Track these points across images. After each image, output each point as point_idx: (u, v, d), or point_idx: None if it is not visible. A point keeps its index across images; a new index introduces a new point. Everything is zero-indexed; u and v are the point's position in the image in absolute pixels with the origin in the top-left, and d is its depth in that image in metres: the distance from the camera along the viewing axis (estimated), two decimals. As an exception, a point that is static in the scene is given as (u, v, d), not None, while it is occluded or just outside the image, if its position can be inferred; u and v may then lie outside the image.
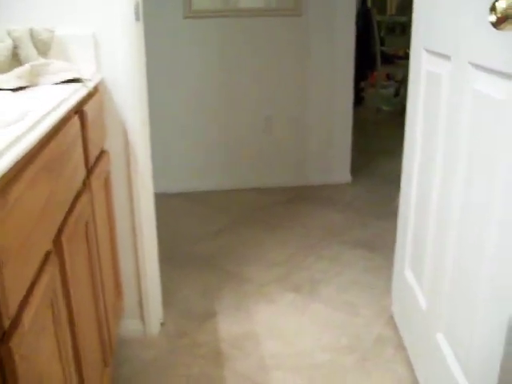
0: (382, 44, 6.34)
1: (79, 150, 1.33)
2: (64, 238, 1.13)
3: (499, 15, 0.97)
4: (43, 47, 1.60)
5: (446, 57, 1.48)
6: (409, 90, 1.88)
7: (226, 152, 3.51)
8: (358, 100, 6.43)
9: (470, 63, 1.31)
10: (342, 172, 3.65)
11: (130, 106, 1.76)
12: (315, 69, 3.42)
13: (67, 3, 1.66)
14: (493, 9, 0.98)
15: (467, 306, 1.33)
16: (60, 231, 1.13)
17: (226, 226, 3.00)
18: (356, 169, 3.84)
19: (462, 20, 1.35)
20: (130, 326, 1.98)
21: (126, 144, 1.79)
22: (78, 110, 1.40)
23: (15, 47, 1.52)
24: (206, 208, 3.25)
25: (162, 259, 2.59)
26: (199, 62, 3.31)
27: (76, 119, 1.32)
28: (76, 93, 1.35)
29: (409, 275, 1.87)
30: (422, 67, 1.72)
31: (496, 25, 0.99)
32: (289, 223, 3.01)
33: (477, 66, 1.27)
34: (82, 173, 1.36)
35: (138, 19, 1.74)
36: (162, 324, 2.06)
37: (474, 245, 1.28)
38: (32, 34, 1.57)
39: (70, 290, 1.16)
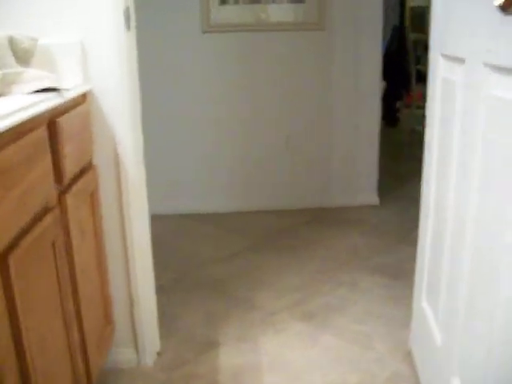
0: (418, 63, 6.13)
1: (44, 165, 1.21)
2: (12, 259, 1.00)
3: (506, -2, 0.81)
4: (24, 56, 1.50)
5: (461, 60, 1.32)
6: (427, 99, 1.70)
7: (245, 172, 3.37)
8: (394, 121, 6.22)
9: (484, 64, 1.14)
10: (368, 194, 3.46)
11: (120, 119, 1.64)
12: (339, 85, 3.26)
13: (54, 11, 1.57)
14: (498, -9, 0.82)
15: (481, 348, 1.13)
16: (8, 251, 1.00)
17: (241, 249, 2.84)
18: (385, 191, 3.64)
19: (475, 19, 1.18)
20: (122, 355, 1.84)
21: (116, 160, 1.67)
22: (50, 121, 1.28)
23: (-8, 55, 1.42)
24: (221, 230, 3.11)
25: (167, 283, 2.47)
26: (218, 78, 3.20)
27: (41, 131, 1.20)
28: (43, 102, 1.23)
29: (426, 307, 1.67)
30: (438, 74, 1.56)
31: (504, 8, 0.83)
32: (308, 247, 2.83)
33: (491, 67, 1.10)
34: (48, 190, 1.23)
35: (128, 28, 1.63)
36: (158, 354, 1.92)
37: (487, 274, 1.10)
38: (12, 42, 1.47)
39: (18, 319, 1.03)
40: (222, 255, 2.77)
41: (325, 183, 3.42)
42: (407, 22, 7.00)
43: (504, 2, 0.83)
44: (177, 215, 3.32)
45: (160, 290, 2.37)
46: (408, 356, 1.85)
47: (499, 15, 0.95)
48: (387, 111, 6.16)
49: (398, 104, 6.20)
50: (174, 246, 2.90)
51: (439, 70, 1.55)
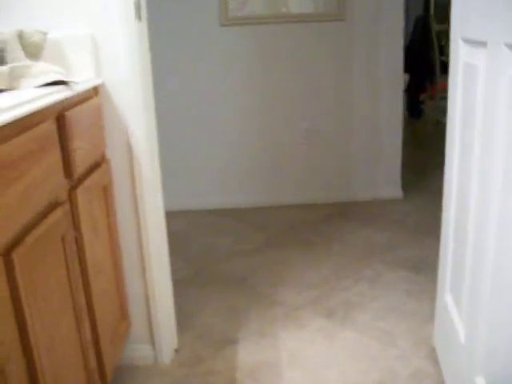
0: (442, 54, 6.00)
1: (52, 159, 1.19)
2: (16, 255, 0.98)
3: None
4: (34, 50, 1.48)
5: (482, 43, 1.26)
6: (449, 85, 1.63)
7: (264, 166, 3.33)
8: (418, 113, 6.11)
9: (506, 45, 1.08)
10: (391, 187, 3.39)
11: (133, 112, 1.62)
12: (360, 77, 3.19)
13: (64, 4, 1.55)
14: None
15: (506, 346, 1.08)
16: (11, 247, 0.98)
17: (262, 244, 2.81)
18: (409, 184, 3.57)
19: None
20: (139, 352, 1.82)
21: (130, 153, 1.65)
22: (58, 115, 1.26)
23: (1, 50, 1.41)
24: (242, 225, 3.07)
25: (186, 278, 2.45)
26: (236, 71, 3.17)
27: (48, 125, 1.18)
28: (51, 95, 1.21)
29: (449, 302, 1.61)
30: (460, 59, 1.49)
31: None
32: (330, 241, 2.78)
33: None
34: (56, 184, 1.21)
35: (139, 19, 1.60)
36: (176, 350, 1.89)
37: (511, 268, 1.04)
38: (21, 37, 1.46)
39: (24, 315, 1.01)
40: (243, 250, 2.74)
41: (347, 177, 3.36)
42: (432, 12, 6.87)
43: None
44: (197, 211, 3.30)
45: (179, 284, 2.36)
46: (432, 353, 1.79)
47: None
48: (411, 103, 6.06)
49: (423, 96, 6.08)
50: (195, 240, 2.88)
51: (460, 55, 1.49)
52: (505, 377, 1.08)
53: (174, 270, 2.46)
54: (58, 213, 1.20)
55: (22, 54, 1.44)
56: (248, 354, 1.87)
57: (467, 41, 1.42)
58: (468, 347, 1.36)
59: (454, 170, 1.57)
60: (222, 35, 3.11)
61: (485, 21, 1.23)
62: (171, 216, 3.14)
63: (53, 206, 1.20)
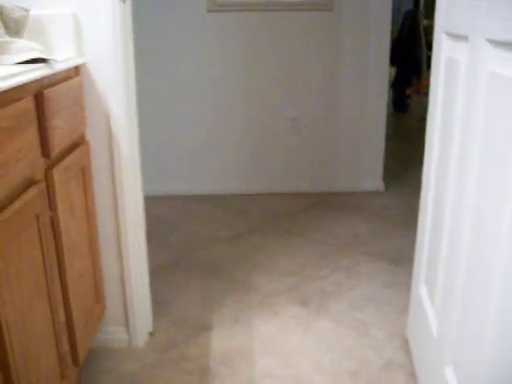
0: (430, 49, 6.02)
1: (29, 136, 1.17)
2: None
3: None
4: (15, 27, 1.46)
5: (464, 38, 1.26)
6: (431, 79, 1.64)
7: (249, 154, 3.32)
8: (403, 107, 6.13)
9: (487, 40, 1.09)
10: (373, 179, 3.40)
11: (114, 93, 1.60)
12: (346, 68, 3.19)
13: (48, -20, 1.53)
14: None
15: (474, 337, 1.09)
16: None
17: (242, 231, 2.81)
18: (391, 177, 3.59)
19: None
20: (113, 334, 1.82)
21: (109, 135, 1.63)
22: (37, 93, 1.25)
23: (-19, 25, 1.39)
24: (223, 212, 3.07)
25: (165, 263, 2.45)
26: (222, 58, 3.15)
27: (26, 102, 1.16)
28: (30, 72, 1.19)
29: (423, 292, 1.63)
30: (442, 54, 1.50)
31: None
32: (309, 231, 2.79)
33: (494, 43, 1.05)
34: (32, 162, 1.19)
35: (123, 1, 1.58)
36: (150, 334, 1.89)
37: (484, 261, 1.05)
38: (2, 12, 1.43)
39: (-5, 294, 1.00)
40: (223, 237, 2.74)
41: (330, 168, 3.36)
42: (421, 8, 6.88)
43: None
44: (180, 196, 3.30)
45: (157, 269, 2.35)
46: (406, 344, 1.82)
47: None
48: (397, 97, 6.08)
49: (409, 90, 6.10)
50: (176, 226, 2.87)
51: (443, 50, 1.49)
52: (473, 368, 1.10)
53: (154, 256, 2.47)
54: (33, 191, 1.19)
55: (1, 30, 1.42)
56: (221, 340, 1.87)
57: (450, 35, 1.42)
58: (439, 340, 1.37)
59: (432, 164, 1.58)
60: (208, 21, 3.08)
61: (467, 15, 1.23)
62: (153, 201, 3.14)
63: (28, 185, 1.19)
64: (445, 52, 1.48)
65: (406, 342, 1.83)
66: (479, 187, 1.11)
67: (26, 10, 1.47)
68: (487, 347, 1.02)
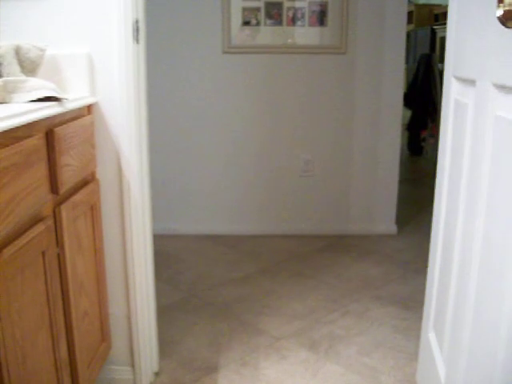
0: (445, 93, 6.04)
1: (38, 173, 1.19)
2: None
3: (507, 8, 0.76)
4: (30, 65, 1.50)
5: (472, 82, 1.27)
6: (441, 122, 1.64)
7: (261, 195, 3.33)
8: (418, 150, 6.13)
9: (494, 85, 1.09)
10: (386, 223, 3.38)
11: (126, 133, 1.62)
12: (360, 111, 3.22)
13: (63, 23, 1.57)
14: (500, 0, 0.78)
15: None
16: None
17: (253, 273, 2.79)
18: (404, 220, 3.57)
19: (486, 39, 1.13)
20: (118, 373, 1.79)
21: (120, 174, 1.65)
22: (48, 130, 1.27)
23: (-2, 64, 1.42)
24: (234, 253, 3.06)
25: (175, 303, 2.43)
26: (237, 99, 3.19)
27: (36, 139, 1.18)
28: (41, 110, 1.21)
29: (432, 338, 1.59)
30: (451, 97, 1.51)
31: (504, 21, 0.78)
32: (320, 273, 2.77)
33: (500, 88, 1.05)
34: (41, 199, 1.21)
35: (137, 42, 1.61)
36: (156, 374, 1.86)
37: (491, 309, 1.03)
38: (18, 52, 1.47)
39: (-5, 329, 0.99)
40: (233, 278, 2.72)
41: (343, 210, 3.35)
42: (437, 52, 6.96)
43: (504, 14, 0.78)
44: (191, 235, 3.29)
45: (166, 309, 2.34)
46: (414, 391, 1.77)
47: (501, 29, 0.90)
48: (412, 140, 6.09)
49: (424, 133, 6.11)
50: (187, 265, 2.86)
51: (452, 93, 1.50)
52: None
53: (163, 295, 2.46)
54: (40, 227, 1.20)
55: (17, 68, 1.45)
56: (228, 382, 1.83)
57: (459, 79, 1.43)
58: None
59: (442, 208, 1.57)
60: (224, 62, 3.14)
61: (475, 60, 1.24)
62: (165, 239, 3.14)
63: (35, 221, 1.19)
64: (454, 95, 1.48)
65: (416, 389, 1.79)
66: (486, 233, 1.10)
67: (42, 50, 1.52)
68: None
